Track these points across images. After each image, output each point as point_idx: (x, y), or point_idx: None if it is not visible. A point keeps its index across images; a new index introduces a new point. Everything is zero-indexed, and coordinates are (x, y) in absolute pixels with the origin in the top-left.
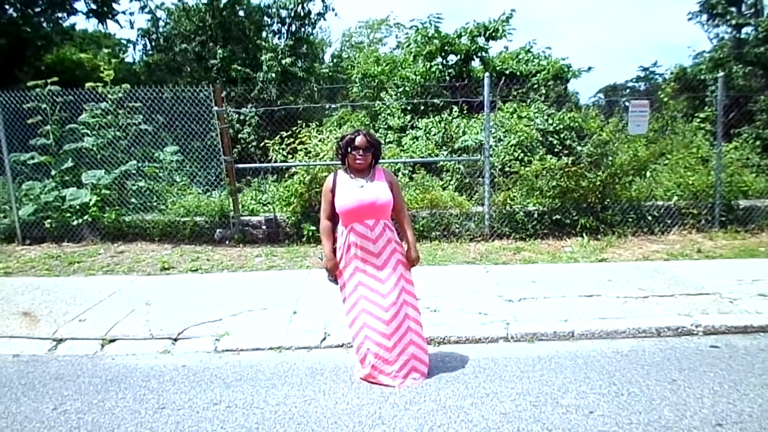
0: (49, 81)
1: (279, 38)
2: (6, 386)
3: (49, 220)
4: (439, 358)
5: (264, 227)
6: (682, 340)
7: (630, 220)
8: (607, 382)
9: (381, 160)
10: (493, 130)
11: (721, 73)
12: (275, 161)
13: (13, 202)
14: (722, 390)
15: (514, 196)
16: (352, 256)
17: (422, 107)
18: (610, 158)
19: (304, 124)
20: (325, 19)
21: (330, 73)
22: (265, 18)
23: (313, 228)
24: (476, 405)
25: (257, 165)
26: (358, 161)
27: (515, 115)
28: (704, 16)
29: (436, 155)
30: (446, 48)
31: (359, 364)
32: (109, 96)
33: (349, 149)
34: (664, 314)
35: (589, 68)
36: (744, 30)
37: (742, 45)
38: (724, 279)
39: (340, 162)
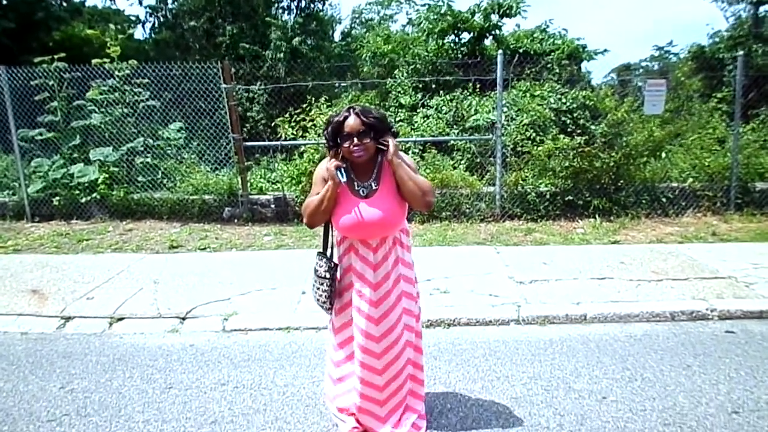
0: (56, 57)
1: (288, 14)
2: (14, 364)
3: (57, 198)
4: (449, 340)
5: (273, 206)
6: (697, 324)
7: (644, 201)
8: (620, 366)
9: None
10: (506, 109)
11: (741, 52)
12: (284, 139)
13: (22, 179)
14: (738, 376)
15: (526, 177)
16: (347, 284)
17: (434, 85)
18: (624, 139)
19: (313, 99)
20: None
21: (340, 51)
22: None
23: None
24: (487, 389)
25: (266, 143)
26: (355, 153)
27: (528, 94)
28: None
29: (447, 134)
30: (459, 26)
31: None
32: (116, 73)
33: (338, 139)
34: (678, 298)
35: (605, 50)
36: (762, 8)
37: (760, 24)
38: (740, 263)
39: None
